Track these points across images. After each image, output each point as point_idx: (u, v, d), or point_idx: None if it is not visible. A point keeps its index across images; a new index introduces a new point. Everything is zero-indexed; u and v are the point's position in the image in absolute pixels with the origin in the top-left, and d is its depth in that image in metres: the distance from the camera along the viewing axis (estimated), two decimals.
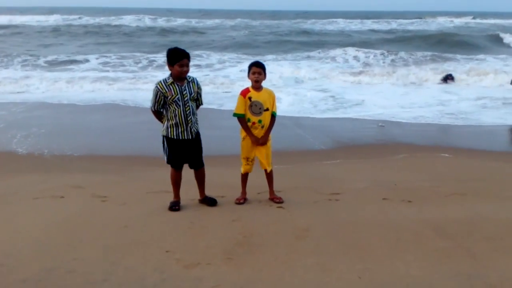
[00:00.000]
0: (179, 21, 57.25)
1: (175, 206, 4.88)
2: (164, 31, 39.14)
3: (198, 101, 4.96)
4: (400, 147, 8.53)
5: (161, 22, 55.93)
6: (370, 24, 55.29)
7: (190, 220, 4.52)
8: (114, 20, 52.54)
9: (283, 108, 11.13)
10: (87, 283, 3.26)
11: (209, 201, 5.07)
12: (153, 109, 4.85)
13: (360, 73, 18.59)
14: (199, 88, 4.91)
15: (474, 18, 78.77)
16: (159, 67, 19.31)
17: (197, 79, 5.00)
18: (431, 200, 5.29)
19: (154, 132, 8.75)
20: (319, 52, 24.89)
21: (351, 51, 24.32)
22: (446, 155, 7.87)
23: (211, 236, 4.14)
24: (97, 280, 3.32)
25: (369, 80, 17.44)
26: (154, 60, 20.93)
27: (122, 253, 3.77)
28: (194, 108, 4.85)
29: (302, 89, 15.22)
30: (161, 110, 4.82)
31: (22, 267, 3.51)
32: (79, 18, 56.76)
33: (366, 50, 24.73)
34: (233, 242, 4.00)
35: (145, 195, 5.31)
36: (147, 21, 56.59)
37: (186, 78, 4.75)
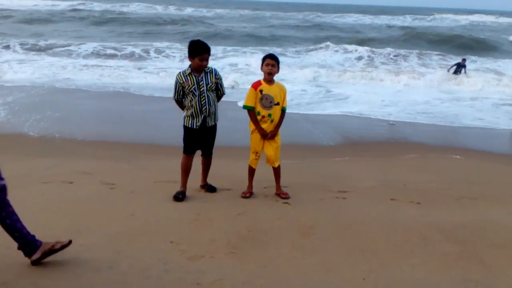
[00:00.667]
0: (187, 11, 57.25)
1: (179, 195, 4.90)
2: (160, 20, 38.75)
3: (219, 91, 5.02)
4: (411, 146, 8.41)
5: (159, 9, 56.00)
6: (386, 20, 54.87)
7: (196, 212, 4.49)
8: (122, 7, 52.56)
9: None
10: (92, 270, 3.26)
11: (209, 188, 5.18)
12: (174, 99, 5.00)
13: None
14: (217, 78, 4.95)
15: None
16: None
17: (216, 69, 5.03)
18: (440, 203, 5.20)
19: (165, 122, 8.93)
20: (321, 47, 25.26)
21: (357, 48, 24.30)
22: (458, 156, 7.74)
23: (216, 229, 4.11)
24: (102, 268, 3.32)
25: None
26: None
27: (127, 241, 3.77)
28: (212, 98, 4.91)
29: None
30: (182, 100, 4.93)
31: None
32: (83, 4, 55.42)
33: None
34: (238, 236, 3.96)
35: (152, 185, 5.30)
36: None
37: (204, 69, 4.83)
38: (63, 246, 3.29)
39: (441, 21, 60.68)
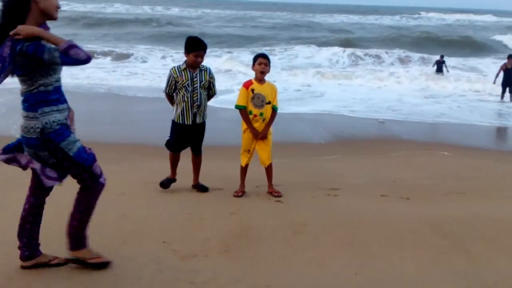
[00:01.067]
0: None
1: (165, 182, 5.11)
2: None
3: (210, 90, 5.07)
4: (400, 144, 8.53)
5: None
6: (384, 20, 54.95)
7: (188, 212, 4.50)
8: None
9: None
10: (84, 271, 3.25)
11: (201, 188, 5.21)
12: (165, 92, 5.04)
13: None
14: (211, 77, 5.01)
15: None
16: None
17: (210, 69, 5.10)
18: (429, 198, 5.30)
19: (154, 122, 8.92)
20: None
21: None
22: (446, 153, 7.86)
23: (209, 228, 4.13)
24: (94, 270, 3.28)
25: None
26: None
27: (120, 242, 3.77)
28: (203, 96, 4.97)
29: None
30: (173, 94, 4.98)
31: (15, 255, 3.36)
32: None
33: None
34: (231, 235, 3.99)
35: (143, 185, 5.31)
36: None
37: (199, 67, 4.89)
38: (59, 264, 3.29)
39: (428, 20, 61.14)
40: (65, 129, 3.01)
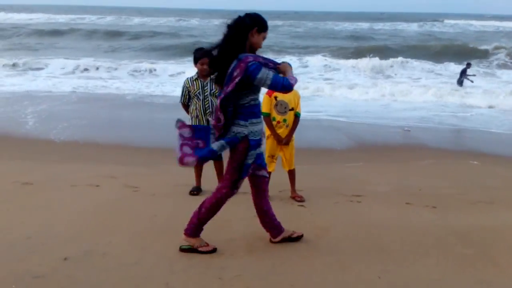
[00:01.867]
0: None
1: (194, 191, 5.36)
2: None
3: None
4: (426, 152, 8.44)
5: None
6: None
7: None
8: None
9: None
10: (120, 265, 3.46)
11: None
12: (181, 102, 5.39)
13: None
14: None
15: None
16: None
17: None
18: (456, 207, 5.21)
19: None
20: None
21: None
22: (475, 162, 7.73)
23: (234, 230, 4.24)
24: (130, 263, 3.51)
25: None
26: None
27: (152, 239, 3.96)
28: (215, 103, 5.12)
29: None
30: (189, 104, 5.30)
31: (62, 247, 3.75)
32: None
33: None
34: (255, 236, 4.06)
35: (172, 188, 5.50)
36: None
37: (209, 76, 5.12)
38: (298, 237, 3.97)
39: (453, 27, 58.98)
40: (260, 143, 3.68)
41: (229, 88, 3.36)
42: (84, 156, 7.41)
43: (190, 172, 5.49)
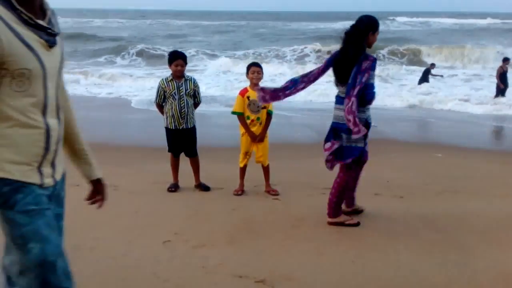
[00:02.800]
0: None
1: (172, 187, 5.47)
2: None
3: (196, 98, 5.48)
4: (391, 145, 8.76)
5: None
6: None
7: (194, 208, 4.79)
8: None
9: None
10: (108, 258, 3.61)
11: (203, 187, 5.52)
12: (156, 102, 5.50)
13: None
14: (195, 86, 5.45)
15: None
16: None
17: (195, 79, 5.56)
18: (422, 197, 5.50)
19: (150, 128, 9.21)
20: None
21: None
22: (439, 155, 8.08)
23: (214, 222, 4.39)
24: (118, 255, 3.66)
25: None
26: None
27: (136, 233, 4.11)
28: (190, 103, 5.39)
29: None
30: (163, 104, 5.41)
31: None
32: None
33: None
34: (234, 228, 4.23)
35: (150, 185, 5.60)
36: None
37: (184, 77, 5.35)
38: (352, 224, 4.42)
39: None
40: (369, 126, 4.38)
41: (364, 79, 3.95)
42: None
43: (166, 170, 5.63)
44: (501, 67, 14.73)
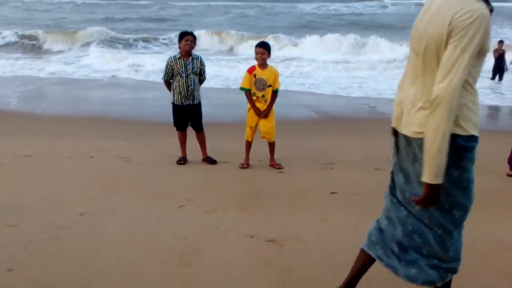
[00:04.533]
0: None
1: (181, 160, 5.73)
2: None
3: (201, 76, 5.72)
4: (389, 124, 9.00)
5: None
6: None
7: (203, 178, 5.08)
8: None
9: None
10: (130, 219, 3.91)
11: (210, 160, 5.79)
12: (164, 79, 5.71)
13: None
14: (202, 64, 5.68)
15: None
16: None
17: (202, 57, 5.76)
18: None
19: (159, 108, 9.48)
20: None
21: None
22: None
23: (224, 191, 4.67)
24: (137, 217, 3.95)
25: None
26: None
27: (152, 199, 4.40)
28: (196, 80, 5.63)
29: None
30: (170, 81, 5.64)
31: (75, 205, 4.17)
32: None
33: None
34: (243, 196, 4.51)
35: (160, 158, 5.88)
36: None
37: (191, 55, 5.55)
38: None
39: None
40: None
41: None
42: (71, 131, 7.65)
43: (174, 145, 5.90)
44: (495, 49, 14.95)
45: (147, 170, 5.34)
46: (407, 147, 2.30)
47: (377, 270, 2.64)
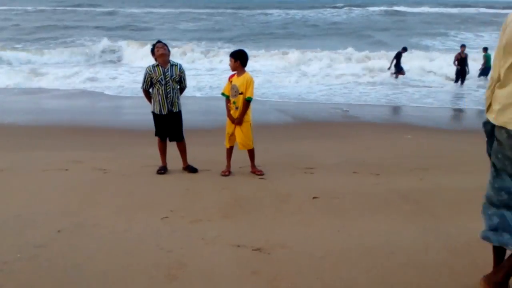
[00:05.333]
0: None
1: (161, 170, 5.66)
2: None
3: (181, 83, 5.66)
4: (365, 128, 9.20)
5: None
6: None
7: (185, 188, 5.03)
8: None
9: None
10: (112, 233, 3.82)
11: (191, 169, 5.74)
12: (143, 88, 5.62)
13: None
14: (181, 72, 5.62)
15: None
16: None
17: (181, 64, 5.70)
18: (396, 173, 5.88)
19: (137, 116, 9.35)
20: None
21: None
22: (409, 136, 8.54)
23: (207, 200, 4.63)
24: (120, 230, 3.86)
25: None
26: None
27: (134, 211, 4.31)
28: (176, 88, 5.56)
29: None
30: (149, 90, 5.57)
31: (53, 221, 4.03)
32: None
33: None
34: (226, 205, 4.49)
35: (140, 168, 5.81)
36: None
37: (169, 62, 5.51)
38: None
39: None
40: None
41: None
42: (42, 144, 7.45)
43: (152, 154, 5.85)
44: (459, 53, 15.53)
45: (126, 182, 5.26)
46: (507, 139, 2.58)
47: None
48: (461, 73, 15.47)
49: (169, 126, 5.62)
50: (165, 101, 5.48)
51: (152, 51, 5.53)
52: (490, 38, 28.25)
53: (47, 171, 5.66)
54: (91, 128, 8.70)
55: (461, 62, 15.40)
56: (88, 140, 7.76)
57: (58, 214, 4.21)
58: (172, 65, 5.52)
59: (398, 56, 16.55)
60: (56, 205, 4.45)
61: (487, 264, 3.45)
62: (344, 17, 45.29)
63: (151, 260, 3.33)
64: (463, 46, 15.80)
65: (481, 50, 16.85)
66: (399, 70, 16.45)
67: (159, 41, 5.59)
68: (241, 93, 5.48)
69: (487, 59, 15.87)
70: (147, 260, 3.33)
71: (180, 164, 5.76)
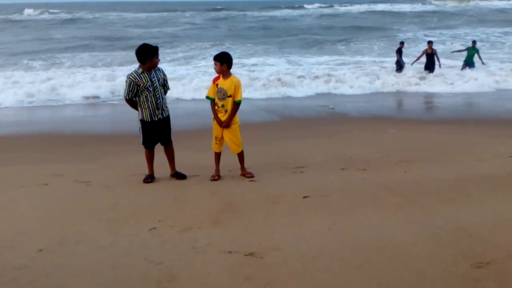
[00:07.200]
0: None
1: (148, 178, 5.58)
2: None
3: (165, 86, 5.59)
4: (350, 124, 9.30)
5: None
6: None
7: (173, 195, 4.98)
8: None
9: None
10: (97, 249, 3.69)
11: (179, 175, 5.69)
12: (127, 98, 5.44)
13: None
14: (164, 75, 5.57)
15: None
16: None
17: (161, 67, 5.61)
18: (382, 168, 5.96)
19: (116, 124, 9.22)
20: None
21: None
22: (392, 130, 8.64)
23: (196, 207, 4.61)
24: (105, 246, 3.75)
25: None
26: None
27: (120, 224, 4.20)
28: (163, 92, 5.50)
29: None
30: (134, 98, 5.42)
31: (33, 240, 3.89)
32: None
33: None
34: (217, 210, 4.48)
35: (126, 178, 5.70)
36: None
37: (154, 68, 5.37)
38: None
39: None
40: None
41: None
42: (20, 158, 7.17)
43: (137, 162, 5.79)
44: (425, 49, 16.03)
45: (111, 193, 5.14)
46: None
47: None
48: (430, 64, 15.84)
49: (160, 131, 5.53)
50: (155, 107, 5.38)
51: (146, 56, 5.25)
52: None
53: (24, 187, 5.47)
54: (70, 137, 8.47)
55: (430, 56, 15.94)
56: (68, 150, 7.56)
57: (38, 233, 4.06)
58: (155, 70, 5.41)
59: (400, 51, 16.64)
60: (36, 223, 4.30)
61: (474, 253, 3.54)
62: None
63: (139, 274, 3.27)
64: (430, 42, 16.31)
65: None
66: (401, 65, 16.56)
67: (156, 47, 5.41)
68: (230, 96, 5.48)
69: (469, 53, 16.24)
70: (135, 274, 3.27)
71: (167, 172, 5.70)
